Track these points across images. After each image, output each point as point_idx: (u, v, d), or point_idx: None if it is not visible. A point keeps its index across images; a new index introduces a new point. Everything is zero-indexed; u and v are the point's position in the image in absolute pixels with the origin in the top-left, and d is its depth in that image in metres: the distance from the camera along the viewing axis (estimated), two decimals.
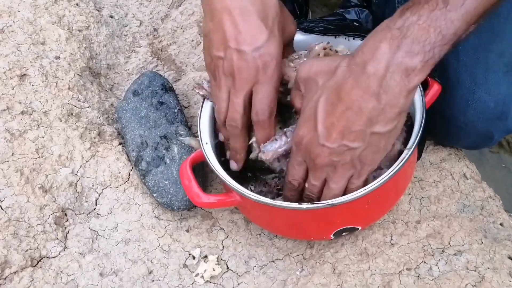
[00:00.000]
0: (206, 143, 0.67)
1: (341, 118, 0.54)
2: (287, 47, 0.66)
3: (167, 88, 0.85)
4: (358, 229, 0.67)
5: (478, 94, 0.70)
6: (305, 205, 0.58)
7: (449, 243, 0.69)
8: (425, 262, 0.67)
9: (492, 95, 0.70)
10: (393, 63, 0.52)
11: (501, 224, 0.73)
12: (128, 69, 0.97)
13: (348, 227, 0.65)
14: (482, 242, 0.69)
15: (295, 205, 0.59)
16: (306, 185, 0.60)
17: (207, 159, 0.65)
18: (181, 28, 1.03)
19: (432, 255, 0.68)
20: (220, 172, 0.63)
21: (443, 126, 0.76)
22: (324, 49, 0.66)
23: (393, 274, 0.66)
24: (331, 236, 0.65)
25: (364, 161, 0.56)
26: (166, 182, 0.73)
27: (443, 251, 0.68)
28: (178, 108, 0.83)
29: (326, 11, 1.08)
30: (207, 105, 0.70)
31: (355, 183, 0.58)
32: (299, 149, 0.58)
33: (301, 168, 0.59)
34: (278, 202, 0.61)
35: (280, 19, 0.61)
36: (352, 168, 0.57)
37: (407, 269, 0.67)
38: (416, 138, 0.59)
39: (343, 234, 0.67)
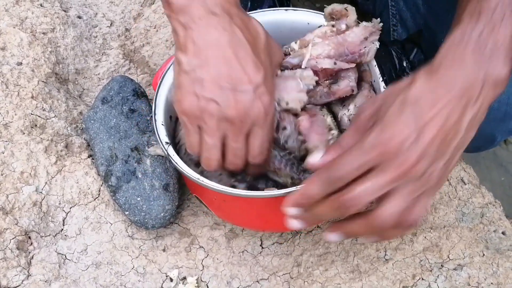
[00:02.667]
0: (167, 143, 0.63)
1: (437, 119, 0.45)
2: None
3: (139, 93, 0.79)
4: None
5: None
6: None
7: (448, 257, 0.64)
8: (422, 279, 0.62)
9: None
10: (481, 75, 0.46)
11: (503, 233, 0.68)
12: (99, 74, 0.90)
13: None
14: (484, 254, 0.64)
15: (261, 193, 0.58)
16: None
17: (171, 159, 0.61)
18: (155, 28, 0.96)
19: (430, 271, 0.62)
20: (185, 169, 0.60)
21: None
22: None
23: None
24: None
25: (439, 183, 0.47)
26: (138, 199, 0.67)
27: (442, 266, 0.63)
28: (151, 115, 0.77)
29: (308, 5, 1.02)
30: (160, 101, 0.66)
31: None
32: (370, 150, 0.46)
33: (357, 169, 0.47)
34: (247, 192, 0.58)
35: (268, 49, 0.56)
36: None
37: (403, 287, 0.61)
38: None
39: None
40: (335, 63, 0.62)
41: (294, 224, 0.49)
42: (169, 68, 0.70)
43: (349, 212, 0.45)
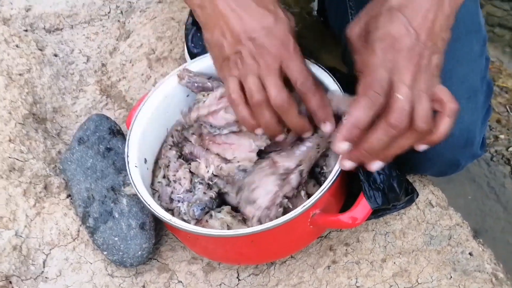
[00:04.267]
0: (135, 166, 0.66)
1: (425, 18, 0.54)
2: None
3: (115, 131, 0.81)
4: None
5: None
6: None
7: (417, 281, 0.66)
8: None
9: (457, 123, 0.67)
10: None
11: (470, 254, 0.70)
12: (76, 111, 0.92)
13: None
14: (451, 277, 0.66)
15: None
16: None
17: (134, 186, 0.65)
18: (130, 62, 0.98)
19: None
20: (157, 210, 0.63)
21: (410, 157, 0.73)
22: None
23: None
24: None
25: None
26: (116, 239, 0.69)
27: None
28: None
29: None
30: (133, 142, 0.69)
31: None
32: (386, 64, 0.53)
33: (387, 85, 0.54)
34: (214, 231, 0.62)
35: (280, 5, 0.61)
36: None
37: None
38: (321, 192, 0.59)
39: None
40: None
41: (347, 164, 0.55)
42: (140, 109, 0.72)
43: (401, 131, 0.52)
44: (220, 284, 0.70)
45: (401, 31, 0.52)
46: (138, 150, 0.69)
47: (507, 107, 1.18)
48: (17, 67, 0.90)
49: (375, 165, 0.55)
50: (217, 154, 0.67)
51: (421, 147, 0.57)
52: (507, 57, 1.36)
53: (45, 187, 0.78)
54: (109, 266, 0.72)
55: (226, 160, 0.66)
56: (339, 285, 0.66)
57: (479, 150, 0.72)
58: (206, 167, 0.68)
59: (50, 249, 0.72)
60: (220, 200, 0.69)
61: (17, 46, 0.93)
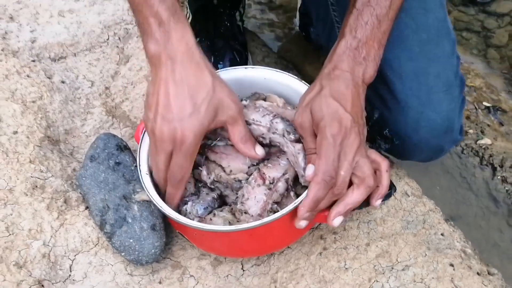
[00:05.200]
0: (146, 174, 0.76)
1: (353, 104, 0.67)
2: (233, 127, 0.71)
3: (122, 147, 0.90)
4: None
5: (426, 113, 0.80)
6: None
7: (397, 260, 0.76)
8: (377, 281, 0.74)
9: (438, 113, 0.80)
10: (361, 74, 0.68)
11: (442, 234, 0.81)
12: (86, 132, 1.01)
13: None
14: (426, 255, 0.77)
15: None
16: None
17: (146, 191, 0.74)
18: (132, 84, 1.08)
19: (383, 273, 0.75)
20: (165, 209, 0.72)
21: (399, 145, 0.84)
22: None
23: None
24: None
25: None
26: (131, 240, 0.78)
27: (392, 268, 0.76)
28: (134, 164, 0.88)
29: (266, 50, 1.15)
30: (143, 153, 0.79)
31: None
32: (336, 142, 0.65)
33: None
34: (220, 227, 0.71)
35: (214, 101, 0.67)
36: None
37: None
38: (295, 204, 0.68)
39: None
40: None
41: (303, 224, 0.68)
42: None
43: (341, 194, 0.67)
44: (227, 276, 0.80)
45: (341, 114, 0.65)
46: (147, 160, 0.79)
47: (475, 104, 1.29)
48: (30, 95, 0.99)
49: (337, 221, 0.69)
50: (214, 161, 0.77)
51: (377, 203, 0.70)
52: (474, 59, 1.48)
53: (65, 201, 0.87)
54: (128, 266, 0.81)
55: (223, 168, 0.76)
56: (330, 268, 0.77)
57: (458, 135, 0.84)
58: (208, 174, 0.78)
59: (75, 255, 0.81)
60: (221, 201, 0.79)
61: (28, 76, 1.03)
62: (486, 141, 1.18)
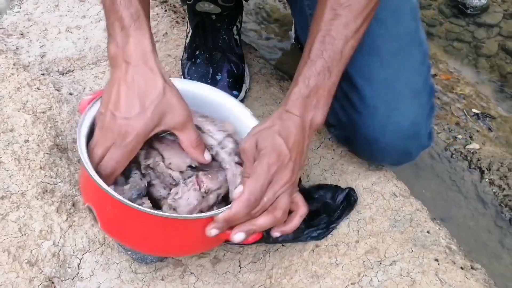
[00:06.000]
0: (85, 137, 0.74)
1: (295, 144, 0.73)
2: (182, 133, 0.74)
3: None
4: None
5: (393, 118, 0.85)
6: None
7: (385, 256, 0.81)
8: (366, 275, 0.79)
9: (405, 118, 0.85)
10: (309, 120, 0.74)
11: (428, 232, 0.86)
12: None
13: None
14: (412, 251, 0.82)
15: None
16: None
17: (87, 168, 0.70)
18: None
19: (372, 268, 0.80)
20: (95, 177, 0.69)
21: (368, 148, 0.90)
22: None
23: None
24: None
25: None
26: None
27: (380, 263, 0.80)
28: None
29: (263, 62, 1.21)
30: (87, 119, 0.76)
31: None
32: (270, 171, 0.70)
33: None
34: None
35: (162, 105, 0.70)
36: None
37: (351, 283, 0.79)
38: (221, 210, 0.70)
39: None
40: None
41: (214, 232, 0.70)
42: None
43: (279, 217, 0.71)
44: (226, 272, 0.85)
45: (282, 149, 0.71)
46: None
47: (464, 111, 1.35)
48: (40, 106, 1.05)
49: (237, 237, 0.71)
50: (157, 149, 0.78)
51: (274, 233, 0.75)
52: (465, 68, 1.53)
53: (73, 205, 0.93)
54: (132, 265, 0.86)
55: (163, 158, 0.78)
56: (322, 263, 0.81)
57: (426, 141, 0.89)
58: (145, 158, 0.77)
59: (83, 254, 0.87)
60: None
61: (38, 88, 1.09)
62: (474, 146, 1.23)
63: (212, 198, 0.76)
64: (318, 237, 0.84)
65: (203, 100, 0.85)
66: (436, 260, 0.80)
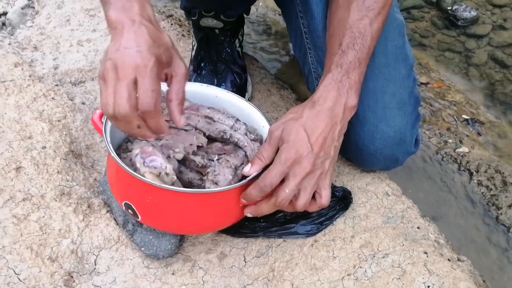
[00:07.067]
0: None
1: (319, 137, 0.79)
2: (177, 82, 0.72)
3: None
4: None
5: (381, 127, 0.92)
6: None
7: (378, 249, 0.88)
8: (360, 267, 0.86)
9: (391, 127, 0.92)
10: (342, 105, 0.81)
11: (418, 227, 0.92)
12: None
13: None
14: (403, 244, 0.89)
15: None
16: (282, 194, 0.78)
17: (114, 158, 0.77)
18: None
19: (366, 261, 0.87)
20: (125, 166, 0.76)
21: (358, 155, 0.97)
22: None
23: (337, 281, 0.85)
24: None
25: (330, 169, 0.81)
26: (151, 237, 0.91)
27: (374, 256, 0.87)
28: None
29: (264, 72, 1.28)
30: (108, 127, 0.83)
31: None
32: (285, 164, 0.77)
33: (279, 179, 0.78)
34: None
35: (171, 51, 0.71)
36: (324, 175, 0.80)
37: (347, 274, 0.85)
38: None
39: None
40: None
41: (248, 212, 0.82)
42: None
43: (281, 207, 0.80)
44: (232, 267, 0.92)
45: (302, 144, 0.78)
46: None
47: (455, 117, 1.42)
48: (55, 115, 1.12)
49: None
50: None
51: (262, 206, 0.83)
52: (456, 76, 1.61)
53: (89, 206, 1.00)
54: (145, 260, 0.93)
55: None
56: (320, 257, 0.88)
57: (412, 147, 0.96)
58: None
59: (99, 251, 0.93)
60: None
61: (53, 98, 1.16)
62: (463, 149, 1.30)
63: (240, 173, 0.85)
64: (311, 232, 0.91)
65: (214, 100, 0.94)
66: (425, 252, 0.87)
